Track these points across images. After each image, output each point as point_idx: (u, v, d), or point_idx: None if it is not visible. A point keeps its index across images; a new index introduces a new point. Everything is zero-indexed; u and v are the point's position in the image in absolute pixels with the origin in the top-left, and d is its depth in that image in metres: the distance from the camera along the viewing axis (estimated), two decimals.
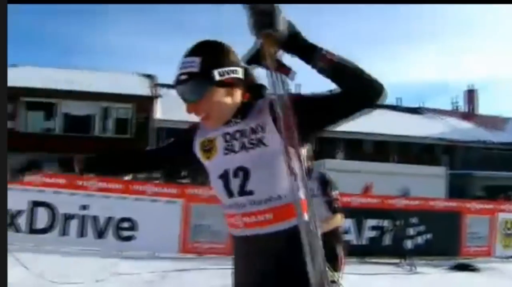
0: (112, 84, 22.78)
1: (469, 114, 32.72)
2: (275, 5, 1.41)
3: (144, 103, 22.55)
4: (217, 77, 1.61)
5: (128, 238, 8.56)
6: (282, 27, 1.42)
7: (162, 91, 23.86)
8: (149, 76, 24.94)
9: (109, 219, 8.45)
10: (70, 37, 56.46)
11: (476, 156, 25.73)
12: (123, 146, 20.10)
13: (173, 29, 63.62)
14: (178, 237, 8.56)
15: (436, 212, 10.28)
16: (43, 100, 21.79)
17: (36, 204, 8.36)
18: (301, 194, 1.51)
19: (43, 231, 8.39)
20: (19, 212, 8.30)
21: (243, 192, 1.65)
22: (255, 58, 1.52)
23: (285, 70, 1.54)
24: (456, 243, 10.28)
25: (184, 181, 15.32)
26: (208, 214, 8.51)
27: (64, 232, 8.40)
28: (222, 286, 6.39)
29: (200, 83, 1.62)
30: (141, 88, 23.25)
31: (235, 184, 1.66)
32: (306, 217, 1.50)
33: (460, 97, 34.40)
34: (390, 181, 15.00)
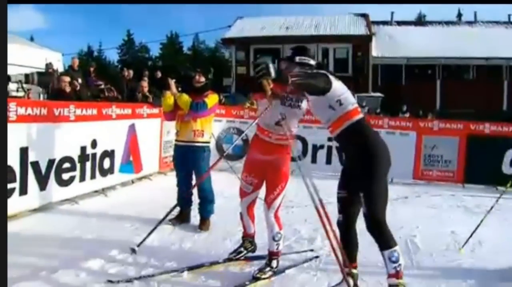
0: (330, 26, 24.15)
1: None
2: (269, 60, 3.31)
3: (360, 43, 23.41)
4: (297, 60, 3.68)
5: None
6: (273, 73, 3.28)
7: (375, 29, 24.46)
8: (363, 16, 25.51)
9: None
10: None
11: None
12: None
13: None
14: (412, 166, 9.61)
15: None
16: (269, 46, 24.13)
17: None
18: (345, 109, 3.40)
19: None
20: None
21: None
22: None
23: (276, 96, 3.70)
24: None
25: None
26: (439, 145, 9.51)
27: (314, 159, 10.05)
28: (450, 206, 7.43)
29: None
30: (357, 28, 24.12)
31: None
32: (354, 119, 3.42)
33: None
34: None
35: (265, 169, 4.04)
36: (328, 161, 10.00)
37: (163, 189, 7.04)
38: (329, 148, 9.93)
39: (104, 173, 6.93)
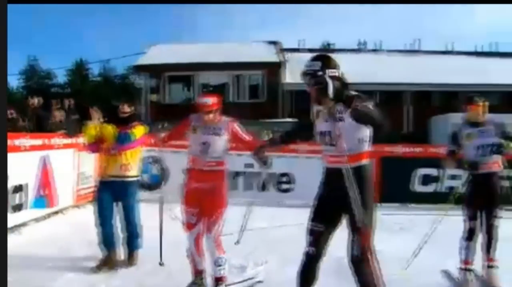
0: (242, 54, 24.54)
1: None
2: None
3: (273, 69, 23.89)
4: (329, 74, 3.15)
5: (287, 190, 10.14)
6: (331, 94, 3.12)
7: (287, 56, 25.18)
8: (274, 43, 26.23)
9: (271, 174, 9.87)
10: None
11: None
12: (257, 110, 21.81)
13: None
14: None
15: None
16: (182, 73, 24.09)
17: None
18: (368, 148, 3.33)
19: None
20: None
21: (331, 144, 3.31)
22: None
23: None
24: None
25: None
26: None
27: (234, 186, 9.84)
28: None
29: (320, 76, 3.14)
30: (269, 55, 24.71)
31: (328, 140, 3.34)
32: (368, 160, 3.32)
33: None
34: None
35: (202, 197, 4.20)
36: (247, 187, 10.05)
37: (80, 224, 6.73)
38: (248, 175, 9.99)
39: (16, 209, 6.47)
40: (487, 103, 4.79)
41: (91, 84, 47.17)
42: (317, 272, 3.46)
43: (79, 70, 49.99)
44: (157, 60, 23.54)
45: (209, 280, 4.36)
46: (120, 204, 5.15)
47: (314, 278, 3.45)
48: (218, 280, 4.23)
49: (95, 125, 5.12)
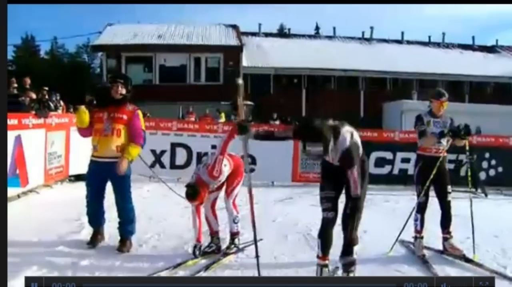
0: (201, 36, 24.70)
1: None
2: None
3: (231, 53, 24.26)
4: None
5: (250, 171, 10.54)
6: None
7: (245, 40, 25.49)
8: (234, 27, 26.52)
9: None
10: None
11: None
12: (214, 92, 22.11)
13: None
14: (291, 169, 10.55)
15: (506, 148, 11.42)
16: (142, 54, 24.05)
17: (176, 145, 10.44)
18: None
19: (182, 166, 10.38)
20: (163, 152, 10.44)
21: None
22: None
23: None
24: None
25: None
26: None
27: None
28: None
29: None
30: (228, 38, 24.98)
31: None
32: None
33: None
34: (465, 120, 16.14)
35: None
36: None
37: (54, 203, 6.91)
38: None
39: None
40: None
41: (39, 63, 45.11)
42: (332, 234, 4.11)
43: (27, 47, 48.08)
44: (115, 40, 23.37)
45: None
46: (112, 186, 5.13)
47: (332, 239, 4.11)
48: (234, 234, 5.22)
49: (88, 109, 4.98)
